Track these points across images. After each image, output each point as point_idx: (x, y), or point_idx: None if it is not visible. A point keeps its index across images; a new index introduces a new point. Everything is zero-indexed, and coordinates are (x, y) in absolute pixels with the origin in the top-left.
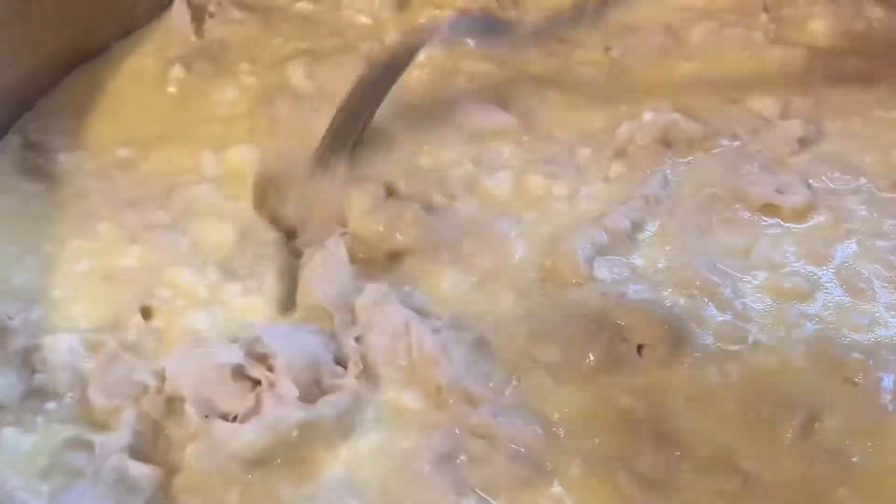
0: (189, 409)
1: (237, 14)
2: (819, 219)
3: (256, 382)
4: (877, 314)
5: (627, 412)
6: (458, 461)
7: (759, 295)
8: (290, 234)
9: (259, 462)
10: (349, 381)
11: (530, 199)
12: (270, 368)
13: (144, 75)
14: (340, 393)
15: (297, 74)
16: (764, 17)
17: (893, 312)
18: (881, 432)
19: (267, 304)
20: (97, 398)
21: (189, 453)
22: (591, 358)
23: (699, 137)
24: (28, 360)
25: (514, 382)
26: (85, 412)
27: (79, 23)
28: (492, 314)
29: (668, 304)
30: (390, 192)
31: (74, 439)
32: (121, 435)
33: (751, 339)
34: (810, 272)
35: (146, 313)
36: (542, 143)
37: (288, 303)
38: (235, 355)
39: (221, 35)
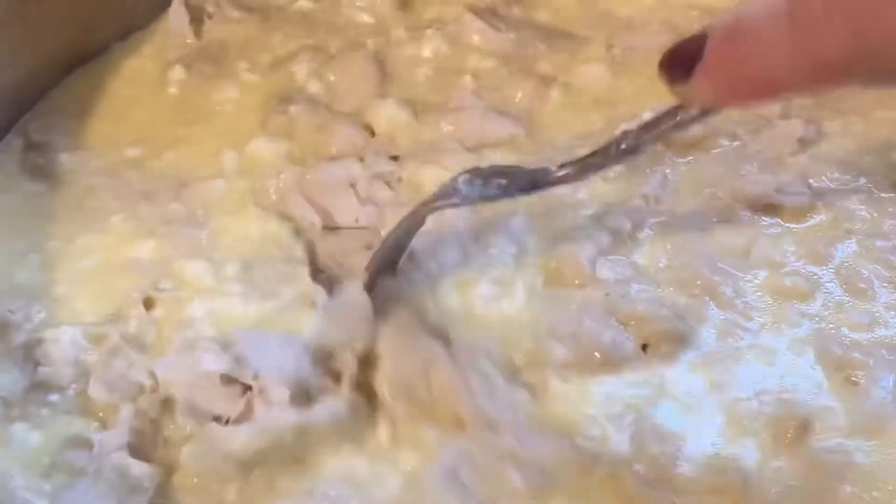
0: (180, 413)
1: (236, 14)
2: (819, 219)
3: (247, 387)
4: (877, 314)
5: (631, 412)
6: (468, 478)
7: (759, 294)
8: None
9: (255, 463)
10: (344, 390)
11: (531, 201)
12: (257, 375)
13: (145, 76)
14: (336, 400)
15: (301, 74)
16: None
17: (893, 312)
18: (882, 432)
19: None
20: (98, 392)
21: (185, 453)
22: (598, 356)
23: (699, 137)
24: (31, 354)
25: (533, 402)
26: (88, 405)
27: (79, 23)
28: (500, 321)
29: (671, 303)
30: None
31: (75, 437)
32: (119, 432)
33: (752, 339)
34: (810, 272)
35: (148, 304)
36: (542, 143)
37: None
38: (223, 363)
39: (221, 36)
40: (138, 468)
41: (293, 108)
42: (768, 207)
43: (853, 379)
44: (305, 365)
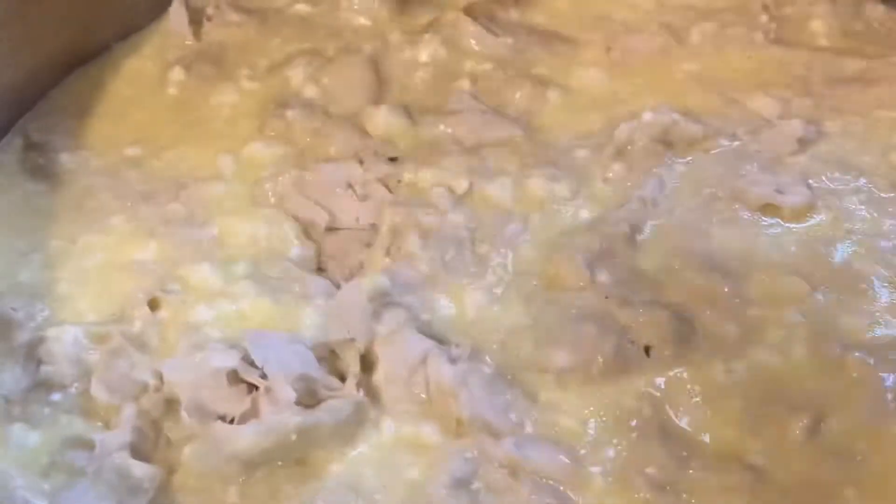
0: (184, 413)
1: (235, 17)
2: (819, 219)
3: (253, 387)
4: (877, 314)
5: (636, 414)
6: (475, 488)
7: (760, 294)
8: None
9: (258, 464)
10: (349, 391)
11: (531, 204)
12: (265, 375)
13: (144, 77)
14: (340, 400)
15: (297, 78)
16: (764, 17)
17: (894, 312)
18: (884, 431)
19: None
20: (99, 393)
21: (187, 454)
22: (601, 361)
23: (699, 137)
24: (33, 353)
25: (535, 410)
26: (90, 404)
27: (79, 23)
28: (499, 326)
29: (672, 305)
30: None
31: (75, 437)
32: (121, 433)
33: (755, 339)
34: (812, 272)
35: (153, 305)
36: (541, 145)
37: None
38: (231, 360)
39: (220, 38)
40: (139, 469)
41: (290, 113)
42: (768, 207)
43: (856, 378)
44: (311, 364)
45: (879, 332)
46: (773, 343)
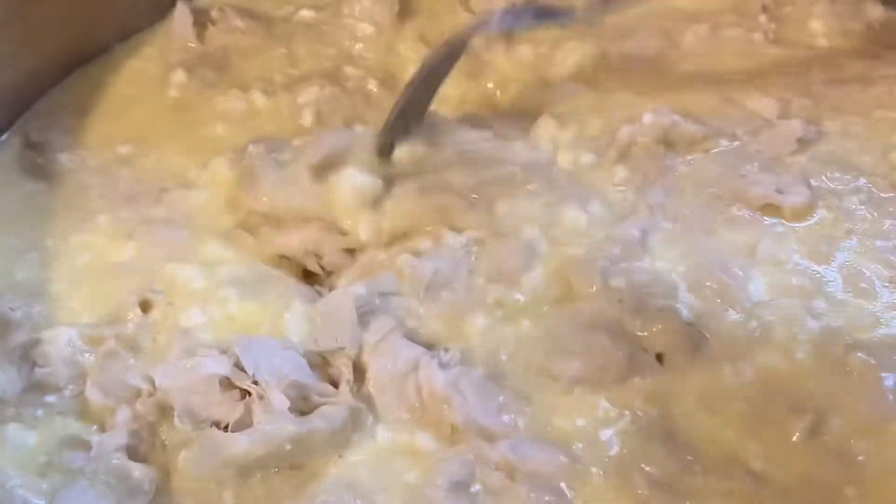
0: (177, 419)
1: (239, 22)
2: (819, 219)
3: (246, 392)
4: (878, 313)
5: (640, 417)
6: (474, 490)
7: (767, 293)
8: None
9: (253, 469)
10: (343, 397)
11: (538, 213)
12: (256, 381)
13: (145, 78)
14: (335, 407)
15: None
16: (763, 18)
17: (895, 312)
18: (886, 431)
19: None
20: (94, 396)
21: (182, 458)
22: (614, 370)
23: (699, 138)
24: (28, 355)
25: (529, 411)
26: (84, 407)
27: (79, 23)
28: (508, 335)
29: (684, 309)
30: None
31: (71, 438)
32: (117, 434)
33: (761, 340)
34: (814, 271)
35: (145, 307)
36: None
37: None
38: (223, 366)
39: (224, 42)
40: (138, 470)
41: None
42: (769, 207)
43: (858, 378)
44: (304, 370)
45: (881, 331)
46: (777, 344)
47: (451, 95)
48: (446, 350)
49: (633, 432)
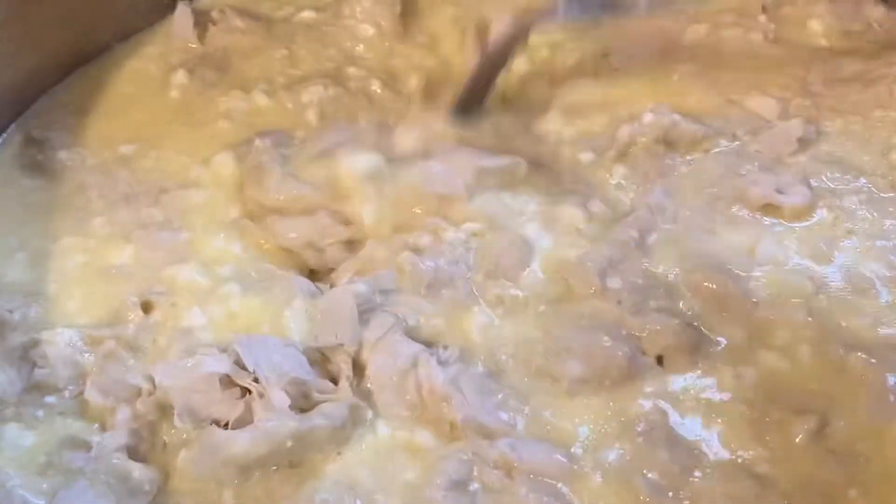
0: (177, 418)
1: (240, 23)
2: (819, 219)
3: (246, 390)
4: (879, 313)
5: (641, 420)
6: (473, 489)
7: (767, 293)
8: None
9: (253, 468)
10: (343, 393)
11: (537, 214)
12: (257, 378)
13: (146, 78)
14: (335, 404)
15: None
16: (763, 18)
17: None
18: (888, 431)
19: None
20: (93, 396)
21: (182, 458)
22: (615, 371)
23: (699, 138)
24: (27, 356)
25: (527, 410)
26: (84, 406)
27: (79, 23)
28: (507, 333)
29: (684, 310)
30: None
31: (71, 439)
32: (118, 434)
33: (762, 342)
34: (814, 271)
35: (146, 308)
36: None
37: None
38: (223, 364)
39: (224, 43)
40: (138, 471)
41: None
42: (768, 207)
43: (859, 379)
44: (304, 367)
45: (882, 331)
46: (779, 345)
47: None
48: (445, 348)
49: (633, 435)
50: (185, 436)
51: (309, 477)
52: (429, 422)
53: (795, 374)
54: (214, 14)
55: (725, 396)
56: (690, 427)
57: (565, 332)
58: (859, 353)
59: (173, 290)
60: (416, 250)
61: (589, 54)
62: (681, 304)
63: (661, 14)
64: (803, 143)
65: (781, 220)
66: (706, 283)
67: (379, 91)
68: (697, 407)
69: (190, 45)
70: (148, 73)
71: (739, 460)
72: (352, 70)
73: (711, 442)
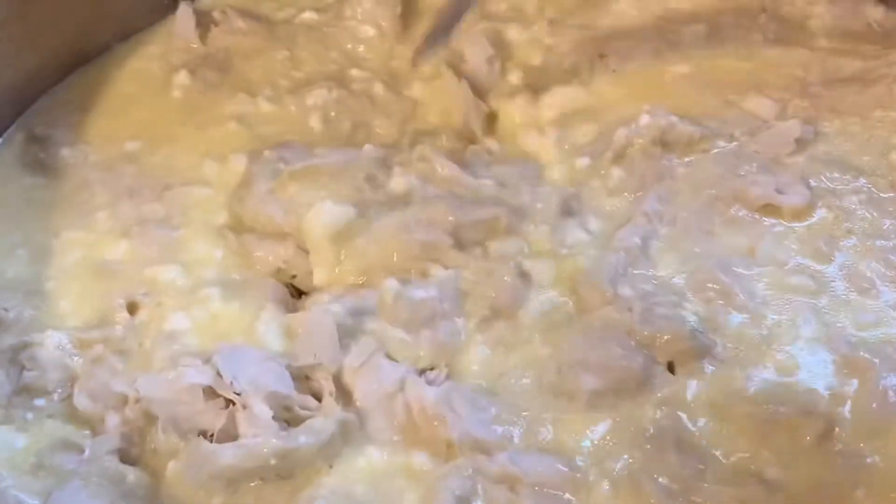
0: (161, 430)
1: (241, 24)
2: (819, 219)
3: (230, 401)
4: (881, 313)
5: (652, 425)
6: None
7: (770, 293)
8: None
9: (241, 480)
10: (328, 409)
11: (538, 218)
12: (239, 390)
13: (148, 78)
14: (322, 420)
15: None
16: (762, 18)
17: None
18: (892, 430)
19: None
20: (81, 402)
21: (170, 469)
22: (632, 382)
23: (696, 139)
24: (17, 358)
25: (527, 423)
26: (73, 410)
27: (79, 23)
28: (512, 362)
29: (691, 315)
30: None
31: (63, 441)
32: (109, 438)
33: (766, 342)
34: (815, 271)
35: (132, 309)
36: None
37: None
38: (205, 376)
39: (226, 44)
40: (132, 474)
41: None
42: (768, 208)
43: (862, 379)
44: (286, 382)
45: (883, 331)
46: (784, 346)
47: None
48: (432, 369)
49: (643, 441)
50: (173, 443)
51: (304, 487)
52: (423, 443)
53: (801, 376)
54: (216, 14)
55: (734, 400)
56: (700, 432)
57: (577, 347)
58: (862, 353)
59: (155, 290)
60: (403, 281)
61: (585, 56)
62: (686, 310)
63: (656, 14)
64: (801, 144)
65: (781, 221)
66: (709, 284)
67: (381, 93)
68: (707, 412)
69: (192, 45)
70: (149, 72)
71: (748, 464)
72: (354, 72)
73: (721, 447)
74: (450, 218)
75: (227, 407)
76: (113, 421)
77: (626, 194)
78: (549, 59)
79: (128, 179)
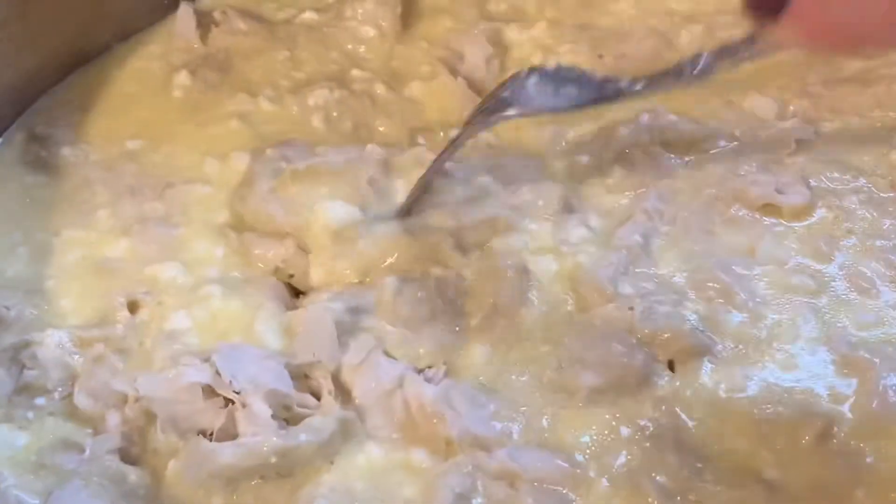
0: (160, 430)
1: (242, 24)
2: (819, 218)
3: (229, 400)
4: (881, 312)
5: (651, 423)
6: (478, 502)
7: (770, 293)
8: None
9: (241, 479)
10: (327, 408)
11: (538, 217)
12: (238, 389)
13: (149, 78)
14: (322, 418)
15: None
16: None
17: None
18: (891, 430)
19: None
20: (82, 401)
21: (171, 468)
22: (632, 380)
23: (696, 139)
24: (17, 357)
25: (527, 420)
26: (74, 409)
27: (79, 23)
28: (512, 359)
29: (691, 313)
30: None
31: (64, 440)
32: (110, 437)
33: (766, 341)
34: (815, 270)
35: (132, 307)
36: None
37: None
38: (204, 375)
39: (226, 44)
40: (133, 474)
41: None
42: (767, 207)
43: (862, 377)
44: (285, 381)
45: (883, 331)
46: (784, 346)
47: None
48: (430, 367)
49: (642, 439)
50: (173, 443)
51: (304, 484)
52: (422, 440)
53: (801, 376)
54: (216, 15)
55: (734, 400)
56: (699, 432)
57: (578, 344)
58: (862, 353)
59: (156, 288)
60: (402, 279)
61: (583, 56)
62: (687, 309)
63: (653, 15)
64: (801, 144)
65: (781, 220)
66: (709, 284)
67: (382, 93)
68: (706, 411)
69: (192, 45)
70: (150, 72)
71: (747, 463)
72: (355, 72)
73: (720, 446)
74: (450, 219)
75: (226, 406)
76: (113, 420)
77: (626, 192)
78: (549, 58)
79: (128, 178)
